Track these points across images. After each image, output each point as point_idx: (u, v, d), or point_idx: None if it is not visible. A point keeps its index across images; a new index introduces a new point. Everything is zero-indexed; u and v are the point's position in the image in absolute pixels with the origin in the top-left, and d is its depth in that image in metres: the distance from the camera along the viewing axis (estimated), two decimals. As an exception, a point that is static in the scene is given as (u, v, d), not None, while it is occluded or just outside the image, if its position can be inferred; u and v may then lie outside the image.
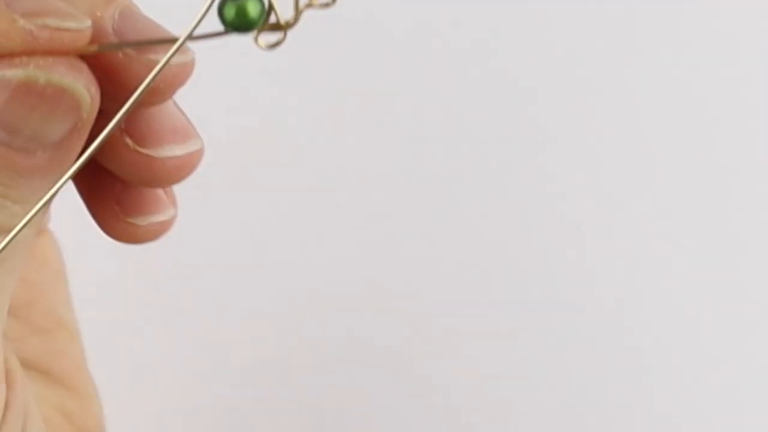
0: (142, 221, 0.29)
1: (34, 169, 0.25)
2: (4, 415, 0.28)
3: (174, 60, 0.26)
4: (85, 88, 0.25)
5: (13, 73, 0.25)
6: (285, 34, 0.26)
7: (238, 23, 0.25)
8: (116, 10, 0.26)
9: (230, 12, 0.25)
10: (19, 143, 0.25)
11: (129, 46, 0.26)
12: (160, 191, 0.29)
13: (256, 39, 0.26)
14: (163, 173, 0.28)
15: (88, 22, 0.25)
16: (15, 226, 0.25)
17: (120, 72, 0.26)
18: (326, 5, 0.25)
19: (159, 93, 0.27)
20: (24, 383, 0.30)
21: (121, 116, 0.26)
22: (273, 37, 0.26)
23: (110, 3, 0.26)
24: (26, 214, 0.26)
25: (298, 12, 0.26)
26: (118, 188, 0.29)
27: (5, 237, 0.25)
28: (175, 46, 0.25)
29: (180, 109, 0.28)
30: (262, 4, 0.25)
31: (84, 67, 0.25)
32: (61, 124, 0.25)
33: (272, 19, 0.26)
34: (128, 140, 0.27)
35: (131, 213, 0.29)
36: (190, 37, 0.25)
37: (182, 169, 0.28)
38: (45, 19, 0.25)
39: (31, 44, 0.25)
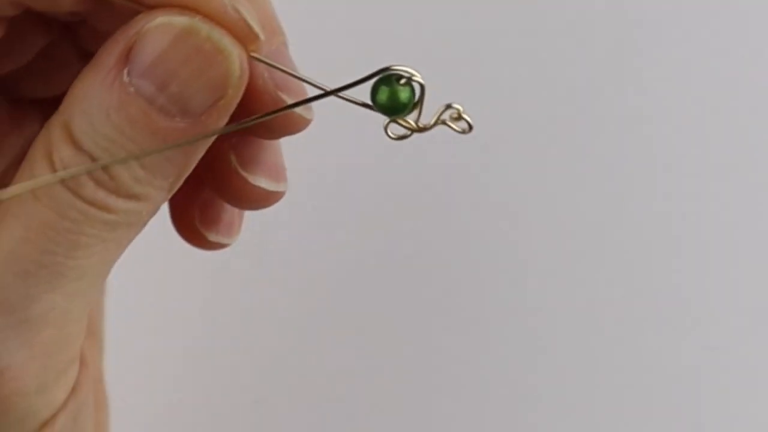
0: (211, 236, 0.31)
1: (167, 134, 0.26)
2: (74, 391, 0.29)
3: (299, 109, 0.27)
4: (238, 59, 0.26)
5: (180, 20, 0.25)
6: (412, 133, 0.27)
7: (386, 106, 0.26)
8: (278, 43, 0.27)
9: (383, 95, 0.26)
10: (162, 101, 0.25)
11: (280, 69, 0.27)
12: (234, 219, 0.31)
13: (387, 126, 0.27)
14: (247, 198, 0.29)
15: (261, 35, 0.26)
16: (136, 192, 0.26)
17: (251, 94, 0.27)
18: (462, 132, 0.27)
19: (272, 131, 0.28)
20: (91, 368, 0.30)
21: (234, 127, 0.27)
22: (400, 130, 0.27)
23: (275, 35, 0.27)
24: (150, 184, 0.26)
25: (435, 122, 0.27)
26: (203, 198, 0.31)
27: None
28: (312, 97, 0.27)
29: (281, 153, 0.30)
30: (413, 96, 0.26)
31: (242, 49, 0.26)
32: (206, 93, 0.26)
33: (411, 116, 0.27)
34: (233, 158, 0.29)
35: (205, 225, 0.31)
36: (333, 94, 0.27)
37: (263, 202, 0.30)
38: (239, 5, 0.26)
39: (219, 16, 0.25)
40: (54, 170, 0.26)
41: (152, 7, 0.26)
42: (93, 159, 0.26)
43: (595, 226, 0.50)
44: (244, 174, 0.29)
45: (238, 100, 0.26)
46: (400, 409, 0.49)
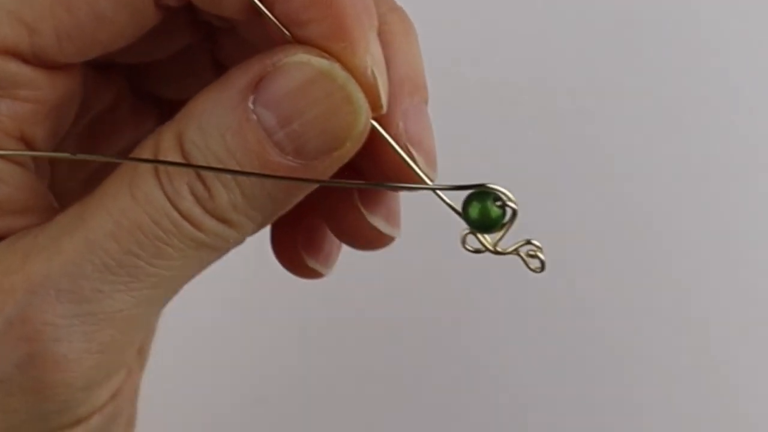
0: (311, 262, 0.31)
1: (276, 169, 0.26)
2: (114, 397, 0.29)
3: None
4: (365, 115, 0.26)
5: (320, 62, 0.26)
6: (485, 251, 0.28)
7: (475, 221, 0.27)
8: (419, 100, 0.28)
9: (474, 210, 0.27)
10: (280, 136, 0.26)
11: (388, 142, 0.28)
12: (333, 250, 0.32)
13: (465, 237, 0.28)
14: (361, 236, 0.30)
15: (384, 108, 0.27)
16: (230, 217, 0.27)
17: (379, 155, 0.28)
18: (536, 269, 0.28)
19: (383, 198, 0.29)
20: None
21: (341, 184, 0.27)
22: (475, 242, 0.28)
23: (418, 91, 0.28)
24: (245, 214, 0.27)
25: (511, 252, 0.28)
26: (308, 225, 0.31)
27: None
28: (409, 186, 0.28)
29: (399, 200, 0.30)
30: (503, 218, 0.27)
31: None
32: (325, 139, 0.26)
33: (491, 236, 0.28)
34: (356, 195, 0.29)
35: (307, 250, 0.31)
36: (432, 189, 0.27)
37: (374, 243, 0.30)
38: (378, 71, 0.26)
39: (357, 72, 0.26)
40: (157, 176, 0.26)
41: (299, 42, 0.26)
42: (198, 174, 0.26)
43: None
44: (365, 212, 0.29)
45: (352, 154, 0.27)
46: (402, 409, 0.49)
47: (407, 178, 0.28)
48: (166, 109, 0.33)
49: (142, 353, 0.33)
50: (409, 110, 0.28)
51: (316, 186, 0.27)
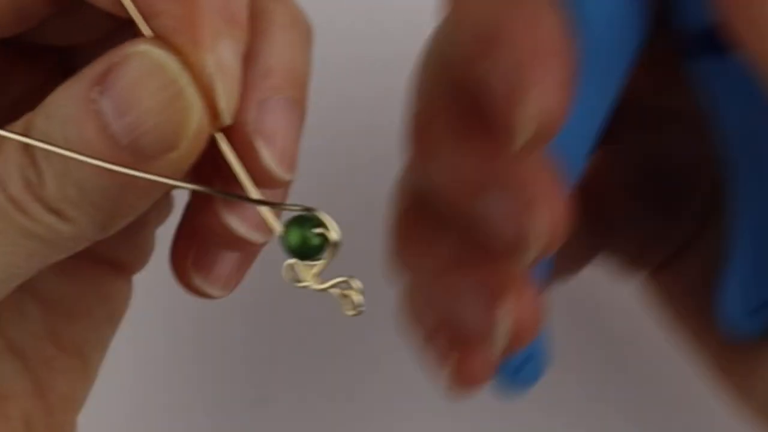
0: (197, 280, 0.30)
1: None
2: None
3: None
4: (197, 116, 0.25)
5: (158, 53, 0.25)
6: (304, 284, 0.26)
7: (294, 248, 0.26)
8: (286, 98, 0.27)
9: (293, 236, 0.26)
10: (116, 128, 0.25)
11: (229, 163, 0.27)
12: (230, 274, 0.30)
13: (286, 267, 0.26)
14: (217, 235, 0.28)
15: (226, 120, 0.26)
16: (61, 208, 0.26)
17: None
18: (349, 312, 0.26)
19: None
20: None
21: (182, 186, 0.26)
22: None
23: (285, 88, 0.27)
24: (77, 207, 0.26)
25: (327, 287, 0.26)
26: (200, 241, 0.30)
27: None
28: (240, 196, 0.27)
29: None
30: (322, 246, 0.26)
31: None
32: (159, 136, 0.25)
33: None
34: (221, 205, 0.28)
35: (195, 267, 0.30)
36: (261, 203, 0.26)
37: (233, 245, 0.29)
38: (219, 78, 0.26)
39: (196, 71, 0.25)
40: None
41: (155, 35, 0.26)
42: (33, 160, 0.26)
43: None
44: (220, 210, 0.28)
45: (192, 158, 0.26)
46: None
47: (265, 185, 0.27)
48: (61, 56, 0.33)
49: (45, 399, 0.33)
50: (269, 103, 0.27)
51: (158, 190, 0.26)
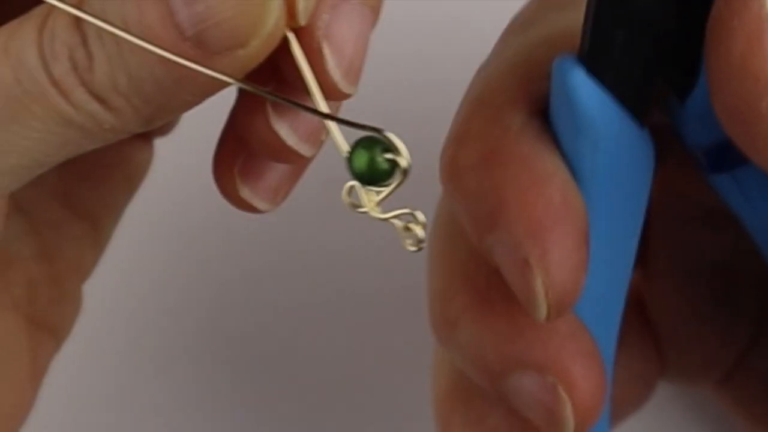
0: (244, 192, 0.28)
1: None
2: None
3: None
4: (276, 13, 0.23)
5: None
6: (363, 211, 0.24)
7: (359, 171, 0.24)
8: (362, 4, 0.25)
9: (360, 159, 0.24)
10: (182, 16, 0.23)
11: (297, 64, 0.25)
12: (280, 186, 0.28)
13: (348, 189, 0.24)
14: (264, 142, 0.26)
15: (303, 21, 0.24)
16: (108, 97, 0.24)
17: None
18: (410, 246, 0.24)
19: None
20: None
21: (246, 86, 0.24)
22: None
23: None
24: (125, 97, 0.24)
25: (388, 218, 0.24)
26: (249, 151, 0.28)
27: None
28: (306, 107, 0.25)
29: None
30: (391, 172, 0.24)
31: None
32: (229, 30, 0.23)
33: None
34: (269, 109, 0.26)
35: (242, 178, 0.28)
36: (329, 118, 0.24)
37: (279, 155, 0.27)
38: None
39: None
40: (41, 32, 0.24)
41: None
42: (85, 40, 0.24)
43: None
44: (271, 113, 0.26)
45: (261, 58, 0.24)
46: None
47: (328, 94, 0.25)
48: None
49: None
50: (342, 6, 0.25)
51: (216, 87, 0.24)
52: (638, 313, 0.37)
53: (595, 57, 0.26)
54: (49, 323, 0.34)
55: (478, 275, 0.30)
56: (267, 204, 0.28)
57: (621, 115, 0.27)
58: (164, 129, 0.34)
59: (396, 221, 0.24)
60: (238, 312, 0.46)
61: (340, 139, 0.24)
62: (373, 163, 0.23)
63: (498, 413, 0.31)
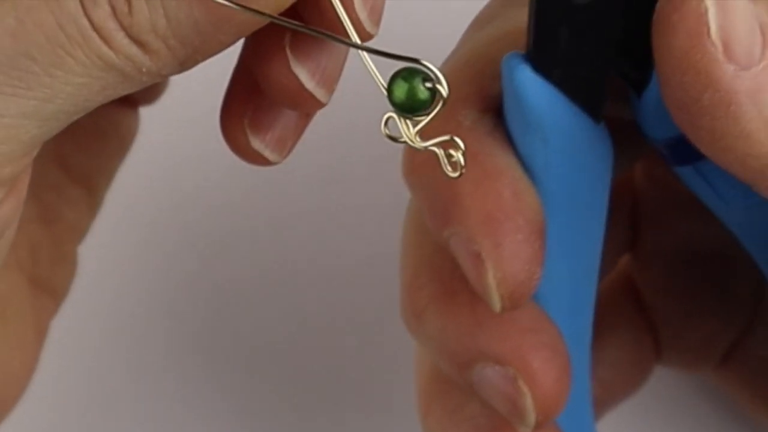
0: (255, 143, 0.28)
1: None
2: None
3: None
4: None
5: None
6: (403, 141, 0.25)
7: (400, 101, 0.24)
8: None
9: (400, 89, 0.24)
10: None
11: None
12: (287, 136, 0.28)
13: (386, 121, 0.25)
14: (282, 87, 0.27)
15: None
16: (147, 40, 0.24)
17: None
18: (451, 172, 0.25)
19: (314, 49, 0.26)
20: None
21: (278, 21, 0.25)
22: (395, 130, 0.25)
23: None
24: (164, 40, 0.24)
25: (430, 145, 0.25)
26: (259, 101, 0.28)
27: None
28: (338, 39, 0.25)
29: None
30: (431, 99, 0.24)
31: None
32: None
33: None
34: (287, 39, 0.26)
35: (253, 128, 0.28)
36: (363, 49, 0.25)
37: (297, 99, 0.27)
38: None
39: None
40: None
41: None
42: None
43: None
44: (290, 57, 0.26)
45: None
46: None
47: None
48: None
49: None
50: None
51: (252, 26, 0.24)
52: (631, 299, 0.38)
53: (540, 54, 0.27)
54: (49, 284, 0.34)
55: (443, 267, 0.30)
56: (277, 155, 0.29)
57: (571, 110, 0.27)
58: (151, 97, 0.34)
59: (436, 149, 0.25)
60: (238, 312, 0.46)
61: (375, 71, 0.25)
62: (413, 93, 0.24)
63: (475, 402, 0.31)
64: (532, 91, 0.27)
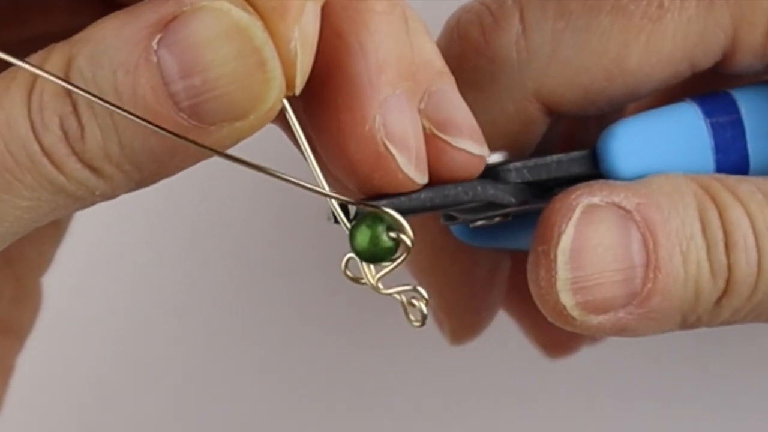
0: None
1: (165, 125, 0.23)
2: None
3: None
4: (278, 90, 0.23)
5: (240, 15, 0.23)
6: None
7: (361, 248, 0.24)
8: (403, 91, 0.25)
9: (363, 236, 0.24)
10: (177, 88, 0.23)
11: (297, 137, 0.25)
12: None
13: (347, 262, 0.24)
14: (453, 165, 0.26)
15: (298, 90, 0.24)
16: (100, 166, 0.23)
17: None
18: (415, 322, 0.24)
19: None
20: None
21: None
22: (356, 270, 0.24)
23: (400, 81, 0.25)
24: (118, 166, 0.24)
25: (391, 294, 0.24)
26: None
27: None
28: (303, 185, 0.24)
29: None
30: (394, 249, 0.24)
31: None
32: (227, 104, 0.23)
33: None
34: (425, 121, 0.25)
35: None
36: (330, 196, 0.24)
37: (469, 167, 0.26)
38: (302, 49, 0.23)
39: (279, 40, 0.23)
40: (29, 99, 0.23)
41: None
42: (75, 109, 0.23)
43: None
44: (445, 137, 0.26)
45: (257, 130, 0.23)
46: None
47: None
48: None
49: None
50: (389, 102, 0.24)
51: (207, 155, 0.24)
52: None
53: None
54: (12, 325, 0.33)
55: None
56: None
57: None
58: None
59: (399, 297, 0.24)
60: (238, 312, 0.46)
61: (342, 215, 0.24)
62: (376, 241, 0.23)
63: None
64: None
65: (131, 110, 0.22)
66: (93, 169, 0.23)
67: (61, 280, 0.35)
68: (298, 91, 0.24)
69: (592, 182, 0.26)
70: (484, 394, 0.45)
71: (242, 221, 0.45)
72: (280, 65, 0.23)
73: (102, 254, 0.44)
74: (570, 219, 0.26)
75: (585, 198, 0.26)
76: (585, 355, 0.42)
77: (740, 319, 0.27)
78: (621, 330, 0.26)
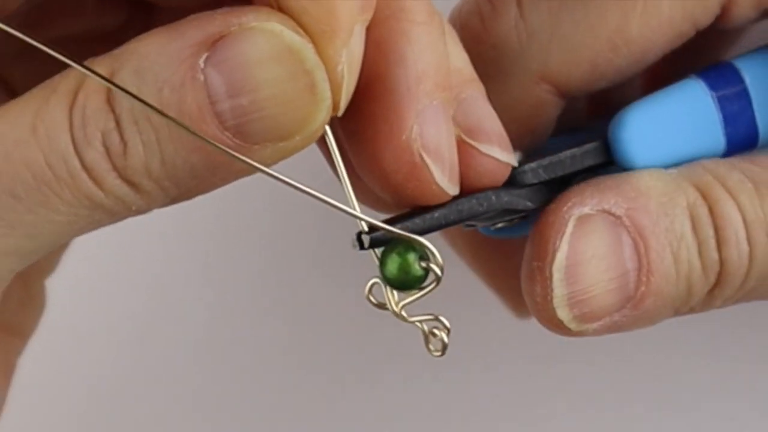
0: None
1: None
2: None
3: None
4: (325, 112, 0.23)
5: (292, 38, 0.23)
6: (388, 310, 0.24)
7: (391, 276, 0.24)
8: (440, 102, 0.25)
9: (393, 263, 0.24)
10: (224, 107, 0.23)
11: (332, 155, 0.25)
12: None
13: (371, 287, 0.24)
14: (481, 170, 0.26)
15: (340, 112, 0.24)
16: (140, 182, 0.24)
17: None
18: (435, 352, 0.24)
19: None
20: None
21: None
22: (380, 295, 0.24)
23: (437, 92, 0.25)
24: (158, 182, 0.24)
25: (414, 322, 0.24)
26: None
27: None
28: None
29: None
30: (423, 278, 0.24)
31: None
32: (274, 125, 0.23)
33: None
34: (455, 129, 0.26)
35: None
36: (363, 219, 0.24)
37: (496, 174, 0.26)
38: (349, 71, 0.24)
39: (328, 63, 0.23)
40: (71, 113, 0.23)
41: (278, 7, 0.23)
42: (118, 124, 0.23)
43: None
44: (474, 143, 0.26)
45: (300, 150, 0.24)
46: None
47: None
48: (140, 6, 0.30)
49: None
50: (426, 112, 0.25)
51: (248, 173, 0.24)
52: None
53: None
54: (17, 326, 0.33)
55: None
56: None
57: None
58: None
59: (421, 325, 0.24)
60: (237, 313, 0.46)
61: (367, 243, 0.24)
62: (407, 269, 0.23)
63: None
64: None
65: (177, 128, 0.23)
66: (132, 185, 0.23)
67: (61, 280, 0.35)
68: (341, 112, 0.24)
69: (583, 187, 0.27)
70: (484, 395, 0.45)
71: (246, 224, 0.45)
72: (329, 88, 0.23)
73: (103, 255, 0.44)
74: (563, 234, 0.26)
75: (576, 209, 0.26)
76: (585, 355, 0.43)
77: (732, 304, 0.28)
78: (616, 330, 0.27)
